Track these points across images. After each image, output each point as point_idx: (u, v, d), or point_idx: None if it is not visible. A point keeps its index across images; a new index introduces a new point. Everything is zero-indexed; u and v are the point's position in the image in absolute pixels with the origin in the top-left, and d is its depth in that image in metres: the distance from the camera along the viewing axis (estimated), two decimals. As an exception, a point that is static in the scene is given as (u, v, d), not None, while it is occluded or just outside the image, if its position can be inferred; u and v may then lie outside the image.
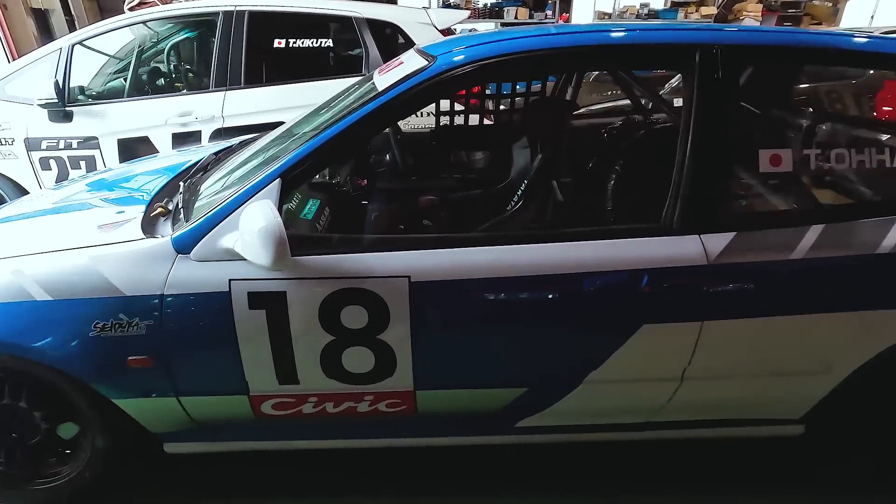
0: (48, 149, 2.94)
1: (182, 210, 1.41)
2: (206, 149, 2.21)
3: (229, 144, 2.15)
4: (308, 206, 1.69)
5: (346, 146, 1.33)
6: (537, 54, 1.29)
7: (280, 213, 1.23)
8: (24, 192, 3.02)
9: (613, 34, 1.39)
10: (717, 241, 1.25)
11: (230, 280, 1.23)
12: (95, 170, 2.96)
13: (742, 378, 1.38)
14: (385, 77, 1.43)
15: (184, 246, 1.25)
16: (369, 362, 1.31)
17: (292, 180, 1.26)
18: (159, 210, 1.44)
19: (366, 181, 2.13)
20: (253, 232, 1.09)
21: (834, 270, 1.26)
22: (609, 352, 1.31)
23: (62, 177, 2.99)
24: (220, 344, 1.27)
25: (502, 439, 1.50)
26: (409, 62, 1.44)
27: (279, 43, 3.00)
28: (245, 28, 2.92)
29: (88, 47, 3.09)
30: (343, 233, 1.77)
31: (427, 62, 1.33)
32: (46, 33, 5.38)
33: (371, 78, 1.58)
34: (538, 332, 1.30)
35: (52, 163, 2.97)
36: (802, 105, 1.45)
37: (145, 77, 3.30)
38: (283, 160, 1.26)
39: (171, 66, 3.35)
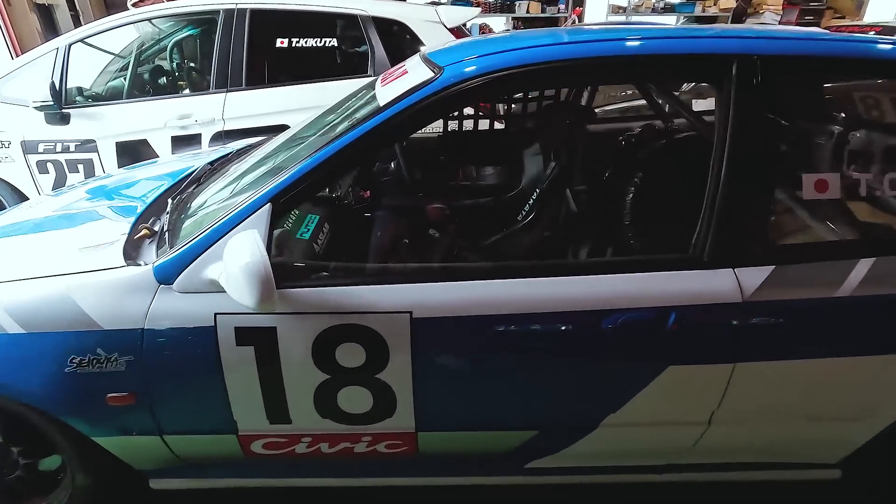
0: (45, 152, 2.86)
1: (168, 233, 1.31)
2: (207, 154, 2.11)
3: (227, 152, 2.04)
4: (305, 224, 1.58)
5: (342, 167, 1.22)
6: (557, 66, 1.16)
7: (271, 240, 1.13)
8: (22, 196, 2.95)
9: (638, 43, 1.26)
10: (754, 276, 1.12)
11: (216, 314, 1.12)
12: (94, 173, 2.89)
13: (775, 422, 1.26)
14: (387, 89, 1.31)
15: (166, 276, 1.15)
16: (367, 402, 1.20)
17: (284, 205, 1.15)
18: (144, 232, 1.34)
19: (369, 192, 2.02)
20: (236, 268, 0.98)
21: (885, 309, 1.13)
22: (630, 395, 1.19)
23: (60, 180, 2.91)
24: (205, 382, 1.17)
25: (510, 480, 1.39)
26: (414, 72, 1.32)
27: (282, 42, 2.89)
28: (246, 27, 2.81)
29: (91, 45, 3.01)
30: (344, 252, 1.67)
31: (434, 73, 1.21)
32: (51, 29, 5.31)
33: (374, 86, 1.46)
34: (552, 373, 1.19)
35: (50, 166, 2.89)
36: (846, 119, 1.30)
37: (145, 78, 3.20)
38: (274, 183, 1.15)
39: (172, 66, 3.26)
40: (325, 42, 2.92)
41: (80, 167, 2.89)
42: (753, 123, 1.14)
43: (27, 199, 2.90)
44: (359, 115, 1.25)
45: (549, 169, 2.07)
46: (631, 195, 1.67)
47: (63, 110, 2.79)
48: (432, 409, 1.22)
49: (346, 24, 2.96)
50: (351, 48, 3.05)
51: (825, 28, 6.56)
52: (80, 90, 2.97)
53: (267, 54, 2.90)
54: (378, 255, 1.55)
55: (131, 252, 1.28)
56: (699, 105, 2.64)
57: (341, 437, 1.26)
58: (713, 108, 1.18)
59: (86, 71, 3.09)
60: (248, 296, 0.98)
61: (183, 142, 2.86)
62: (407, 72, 1.39)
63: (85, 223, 1.54)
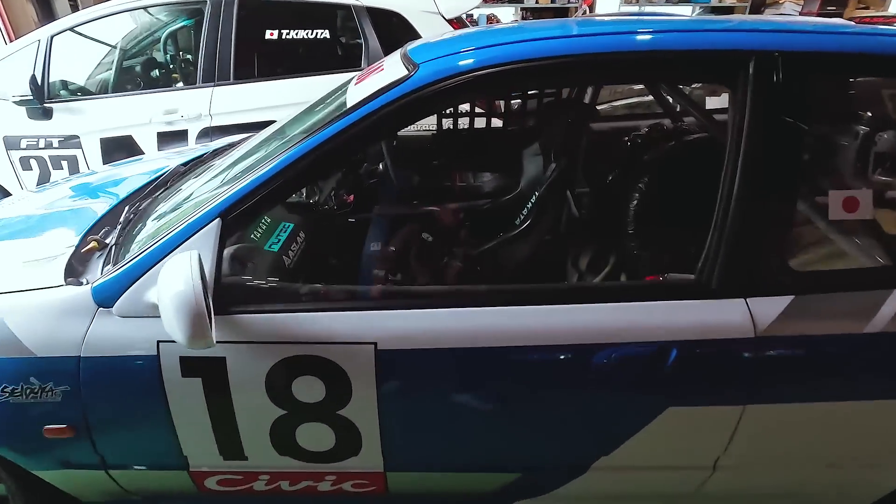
0: (28, 148, 2.76)
1: (116, 247, 1.19)
2: (194, 151, 1.99)
3: (203, 152, 1.92)
4: (276, 234, 1.46)
5: (302, 178, 1.09)
6: (543, 65, 1.01)
7: (221, 261, 1.00)
8: (6, 193, 2.86)
9: (637, 39, 1.10)
10: (770, 307, 0.98)
11: (159, 342, 1.00)
12: (78, 170, 2.79)
13: (790, 469, 1.11)
14: (359, 89, 1.18)
15: (105, 298, 1.03)
16: (329, 440, 1.08)
17: (236, 221, 1.02)
18: (92, 245, 1.22)
19: (353, 197, 1.89)
20: (166, 298, 0.86)
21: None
22: (624, 437, 1.06)
23: (44, 177, 2.82)
24: (150, 415, 1.06)
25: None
26: (390, 70, 1.18)
27: (271, 34, 2.74)
28: (234, 17, 2.68)
29: (82, 34, 2.89)
30: (322, 266, 1.55)
31: (407, 72, 1.07)
32: (49, 17, 5.21)
33: (347, 86, 1.33)
34: (536, 413, 1.05)
35: (33, 163, 2.80)
36: (877, 123, 1.14)
37: (136, 71, 3.09)
38: (224, 196, 1.02)
39: (165, 58, 3.13)
40: (317, 34, 2.77)
41: (65, 164, 2.80)
42: (772, 129, 0.98)
43: (10, 195, 2.81)
44: (323, 118, 1.11)
45: (548, 171, 1.92)
46: (635, 202, 1.52)
47: (45, 105, 2.69)
48: (402, 448, 1.09)
49: (339, 15, 2.81)
50: (344, 40, 2.91)
51: (849, 19, 6.27)
52: (64, 84, 2.86)
53: (256, 47, 2.77)
54: (376, 269, 1.42)
55: (78, 267, 1.17)
56: (713, 102, 2.47)
57: (303, 476, 1.14)
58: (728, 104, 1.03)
59: (73, 63, 2.98)
60: (178, 331, 0.86)
61: (169, 138, 2.74)
62: (383, 69, 1.25)
63: (57, 227, 1.43)
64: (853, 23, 1.78)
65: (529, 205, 1.82)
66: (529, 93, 2.28)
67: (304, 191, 1.66)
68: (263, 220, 1.48)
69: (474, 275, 1.77)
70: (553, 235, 1.81)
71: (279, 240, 1.44)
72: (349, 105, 1.07)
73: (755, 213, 0.98)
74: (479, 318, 1.00)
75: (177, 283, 0.86)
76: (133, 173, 1.82)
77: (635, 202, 1.52)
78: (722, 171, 1.01)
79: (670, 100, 1.94)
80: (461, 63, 1.03)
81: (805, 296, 0.98)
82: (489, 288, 1.10)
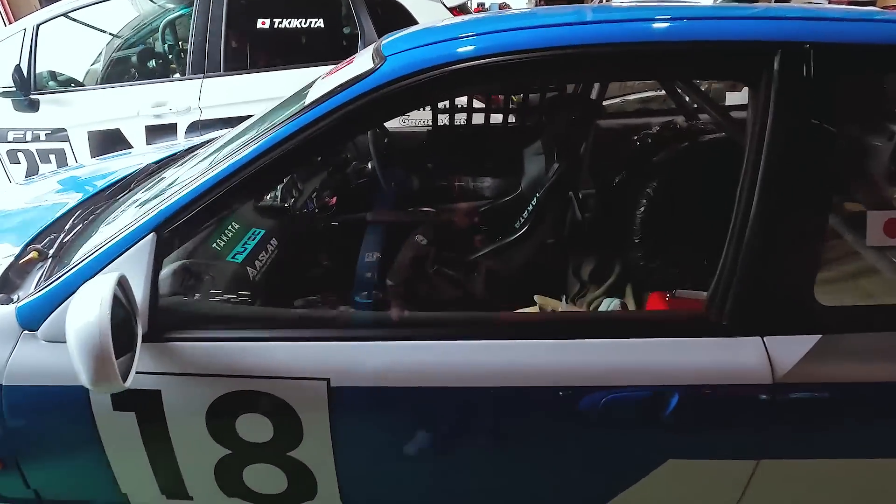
0: (15, 140, 2.68)
1: (53, 260, 1.08)
2: (182, 146, 1.88)
3: (179, 150, 1.80)
4: (243, 242, 1.34)
5: (251, 185, 0.95)
6: (526, 59, 0.85)
7: (156, 282, 0.88)
8: (-6, 186, 2.80)
9: (642, 27, 0.94)
10: (791, 349, 0.82)
11: (87, 371, 0.89)
12: (66, 165, 2.71)
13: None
14: (325, 84, 1.04)
15: (30, 320, 0.91)
16: (280, 482, 0.96)
17: (174, 236, 0.90)
18: (32, 255, 1.11)
19: (335, 199, 1.76)
20: (70, 332, 0.74)
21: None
22: (616, 491, 0.91)
23: (32, 171, 2.74)
24: (81, 450, 0.95)
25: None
26: (359, 63, 1.04)
27: (263, 23, 2.62)
28: (224, 5, 2.56)
29: (76, 19, 2.80)
30: (295, 277, 1.42)
31: (373, 65, 0.93)
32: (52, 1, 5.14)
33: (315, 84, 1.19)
34: (512, 461, 0.92)
35: (21, 156, 2.73)
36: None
37: (126, 62, 2.99)
38: (161, 207, 0.89)
39: (163, 48, 3.02)
40: (311, 23, 2.64)
41: (52, 157, 2.72)
42: (800, 134, 0.82)
43: (-3, 189, 2.74)
44: (278, 118, 0.98)
45: (551, 171, 1.78)
46: (643, 208, 1.37)
47: (31, 96, 2.60)
48: (362, 494, 0.97)
49: (334, 3, 2.67)
50: (339, 29, 2.77)
51: (882, 8, 5.93)
52: (53, 74, 2.77)
53: (247, 36, 2.65)
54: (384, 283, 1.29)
55: (15, 281, 1.06)
56: (733, 98, 2.28)
57: (255, 517, 1.03)
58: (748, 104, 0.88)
59: (65, 53, 2.90)
60: (81, 372, 0.74)
61: (158, 132, 2.64)
62: (353, 62, 1.11)
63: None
64: (890, 11, 1.59)
65: (530, 207, 1.69)
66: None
67: (278, 192, 1.54)
68: (230, 227, 1.36)
69: (468, 284, 1.65)
70: (554, 241, 1.68)
71: (245, 249, 1.32)
72: (307, 103, 0.94)
73: (776, 234, 0.83)
74: (449, 354, 0.87)
75: (84, 315, 0.73)
76: (121, 167, 1.72)
77: (643, 208, 1.37)
78: (739, 181, 0.85)
79: (685, 95, 1.77)
80: (434, 56, 0.88)
81: (834, 335, 0.82)
82: (461, 317, 0.96)
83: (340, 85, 0.91)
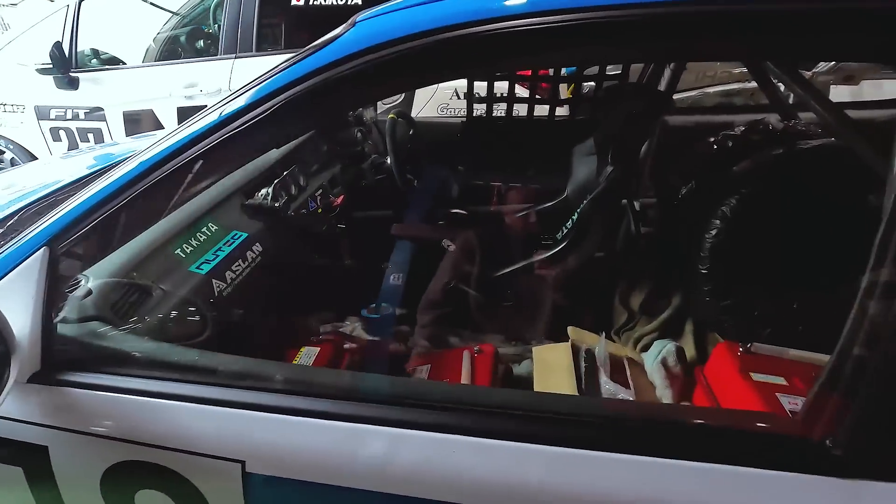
0: (57, 118, 2.69)
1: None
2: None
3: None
4: (216, 248, 1.14)
5: (170, 187, 0.73)
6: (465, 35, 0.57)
7: (46, 306, 0.69)
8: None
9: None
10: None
11: (-28, 415, 0.72)
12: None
13: None
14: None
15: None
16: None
17: (70, 250, 0.70)
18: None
19: (342, 198, 1.54)
20: None
21: None
22: None
23: (73, 149, 2.75)
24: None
25: None
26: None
27: (298, 0, 2.44)
28: (258, -19, 2.40)
29: None
30: (279, 294, 1.22)
31: (337, 34, 0.68)
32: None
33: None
34: None
35: (62, 134, 2.73)
36: None
37: (181, 41, 2.91)
38: (56, 217, 0.70)
39: (214, 28, 2.93)
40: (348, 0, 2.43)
41: (90, 136, 2.70)
42: None
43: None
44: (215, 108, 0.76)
45: (603, 175, 1.48)
46: (715, 230, 1.04)
47: (71, 74, 2.58)
48: None
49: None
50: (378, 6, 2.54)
51: None
52: (95, 52, 2.75)
53: (281, 14, 2.48)
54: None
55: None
56: (840, 94, 1.81)
57: None
58: (868, 98, 0.56)
59: (108, 31, 2.87)
60: None
61: (189, 114, 2.54)
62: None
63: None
64: None
65: (575, 216, 1.41)
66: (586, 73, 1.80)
67: (269, 189, 1.33)
68: (207, 228, 1.17)
69: (492, 307, 1.39)
70: (601, 258, 1.40)
71: (216, 256, 1.12)
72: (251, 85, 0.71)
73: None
74: (415, 449, 0.61)
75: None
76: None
77: (715, 230, 1.03)
78: (864, 211, 0.53)
79: (781, 86, 1.38)
80: (407, 22, 0.62)
81: None
82: (438, 402, 0.68)
83: (288, 60, 0.67)
